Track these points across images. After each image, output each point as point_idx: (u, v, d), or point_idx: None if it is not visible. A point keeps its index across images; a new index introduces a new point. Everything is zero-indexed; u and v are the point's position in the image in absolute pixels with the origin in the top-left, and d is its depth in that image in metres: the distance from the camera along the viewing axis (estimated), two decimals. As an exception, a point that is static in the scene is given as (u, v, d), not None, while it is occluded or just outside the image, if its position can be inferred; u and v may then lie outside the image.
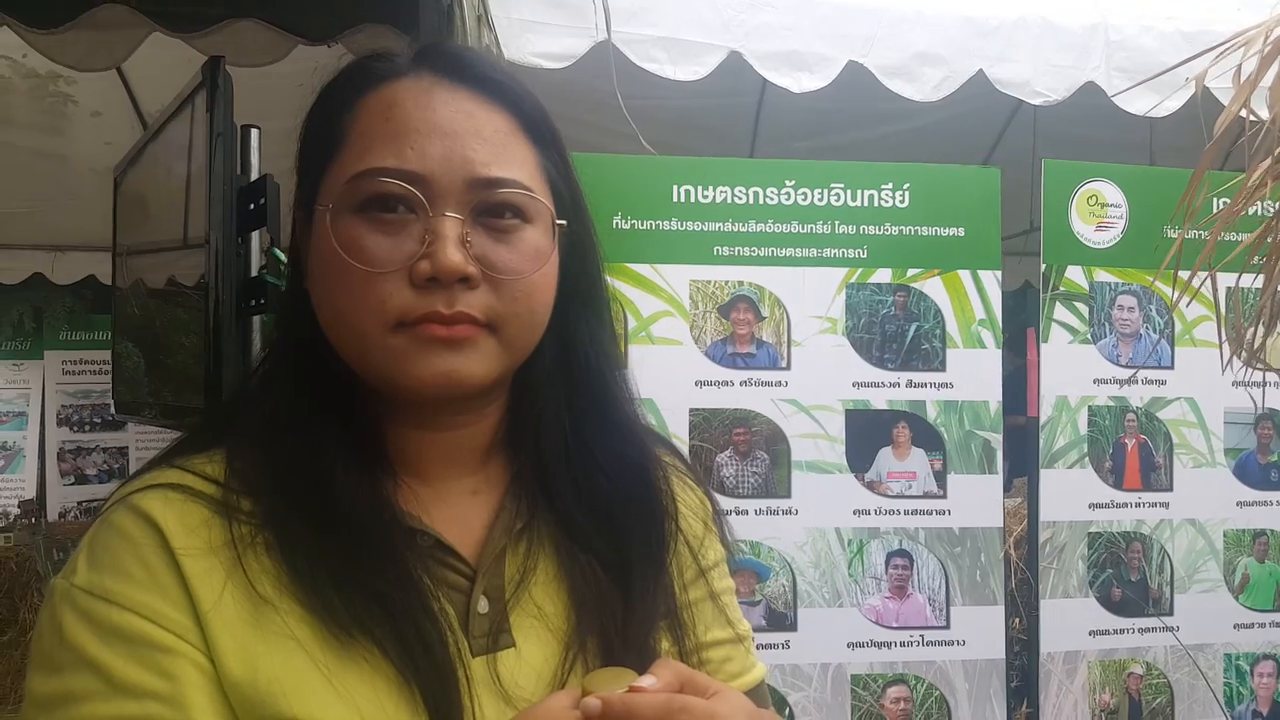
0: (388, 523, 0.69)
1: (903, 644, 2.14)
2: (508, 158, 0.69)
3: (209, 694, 0.63)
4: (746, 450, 2.12)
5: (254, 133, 1.75)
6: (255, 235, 1.72)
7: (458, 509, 0.74)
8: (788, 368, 2.14)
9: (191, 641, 0.63)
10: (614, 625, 0.72)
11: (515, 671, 0.69)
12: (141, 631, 0.63)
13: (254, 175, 1.73)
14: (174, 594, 0.64)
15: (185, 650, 0.63)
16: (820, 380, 2.14)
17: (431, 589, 0.68)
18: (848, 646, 2.13)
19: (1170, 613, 2.29)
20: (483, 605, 0.70)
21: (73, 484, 5.23)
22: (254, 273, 1.72)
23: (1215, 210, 2.28)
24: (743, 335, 2.13)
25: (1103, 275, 2.26)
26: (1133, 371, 2.23)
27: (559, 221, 0.72)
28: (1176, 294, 1.64)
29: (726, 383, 2.13)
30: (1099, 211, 2.24)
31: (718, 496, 0.90)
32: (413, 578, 0.68)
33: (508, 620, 0.71)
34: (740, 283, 2.14)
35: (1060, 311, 2.23)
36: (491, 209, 0.69)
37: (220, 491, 0.69)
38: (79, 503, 5.18)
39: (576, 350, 0.77)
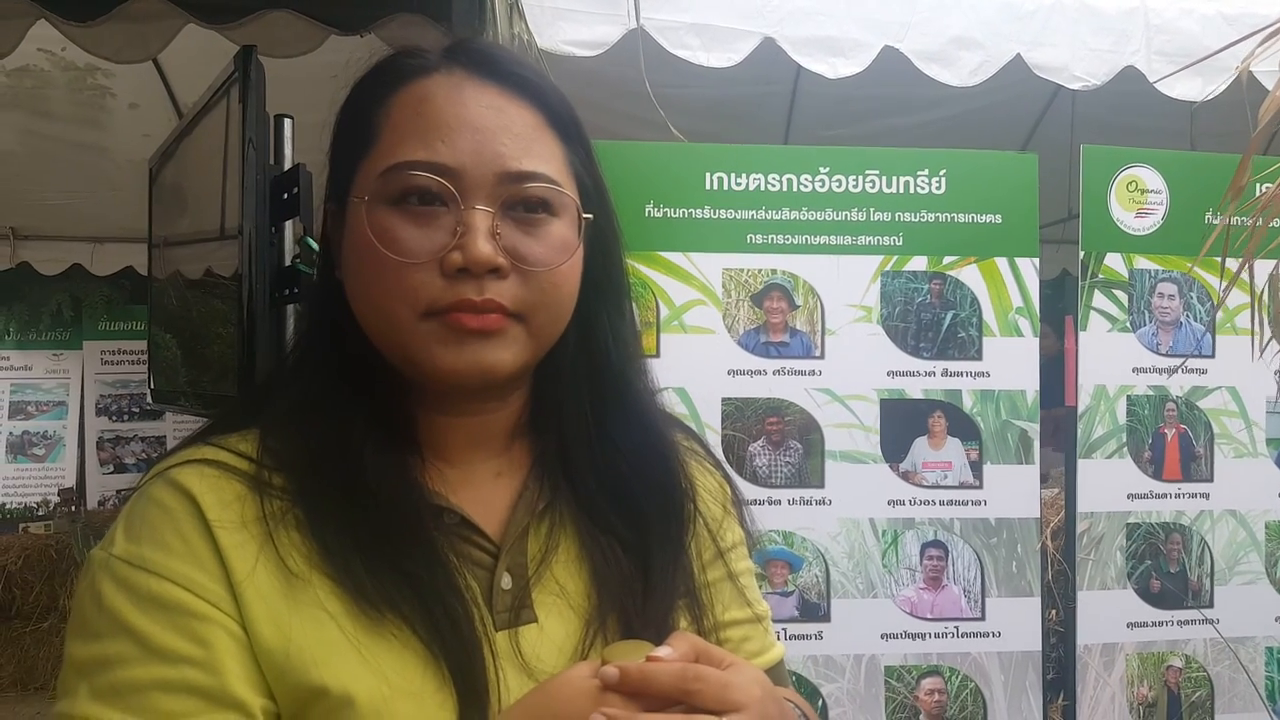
0: (415, 501, 0.72)
1: (937, 635, 2.12)
2: (536, 152, 0.72)
3: (243, 661, 0.65)
4: (779, 440, 2.11)
5: (287, 123, 1.76)
6: (288, 225, 1.73)
7: (483, 490, 0.77)
8: (821, 357, 2.12)
9: (226, 610, 0.65)
10: (634, 604, 0.74)
11: (537, 646, 0.71)
12: (178, 599, 0.65)
13: (287, 165, 1.73)
14: (209, 564, 0.66)
15: (220, 618, 0.65)
16: (855, 369, 2.12)
17: (457, 566, 0.71)
18: (881, 638, 2.11)
19: (1210, 605, 2.25)
20: (506, 581, 0.73)
21: (111, 473, 5.31)
22: (287, 262, 1.73)
23: (1258, 195, 2.24)
24: (776, 324, 2.12)
25: (1142, 262, 2.22)
26: (1179, 362, 2.19)
27: (585, 215, 0.75)
28: (1223, 285, 1.60)
29: (759, 372, 2.12)
30: (1139, 198, 2.21)
31: (749, 484, 0.92)
32: (439, 555, 0.71)
33: (530, 596, 0.73)
34: (773, 271, 2.12)
35: (1099, 299, 2.19)
36: (520, 202, 0.71)
37: (254, 468, 0.71)
38: (117, 491, 5.27)
39: (597, 339, 0.80)
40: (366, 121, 0.74)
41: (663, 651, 0.61)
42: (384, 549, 0.69)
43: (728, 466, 0.91)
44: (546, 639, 0.72)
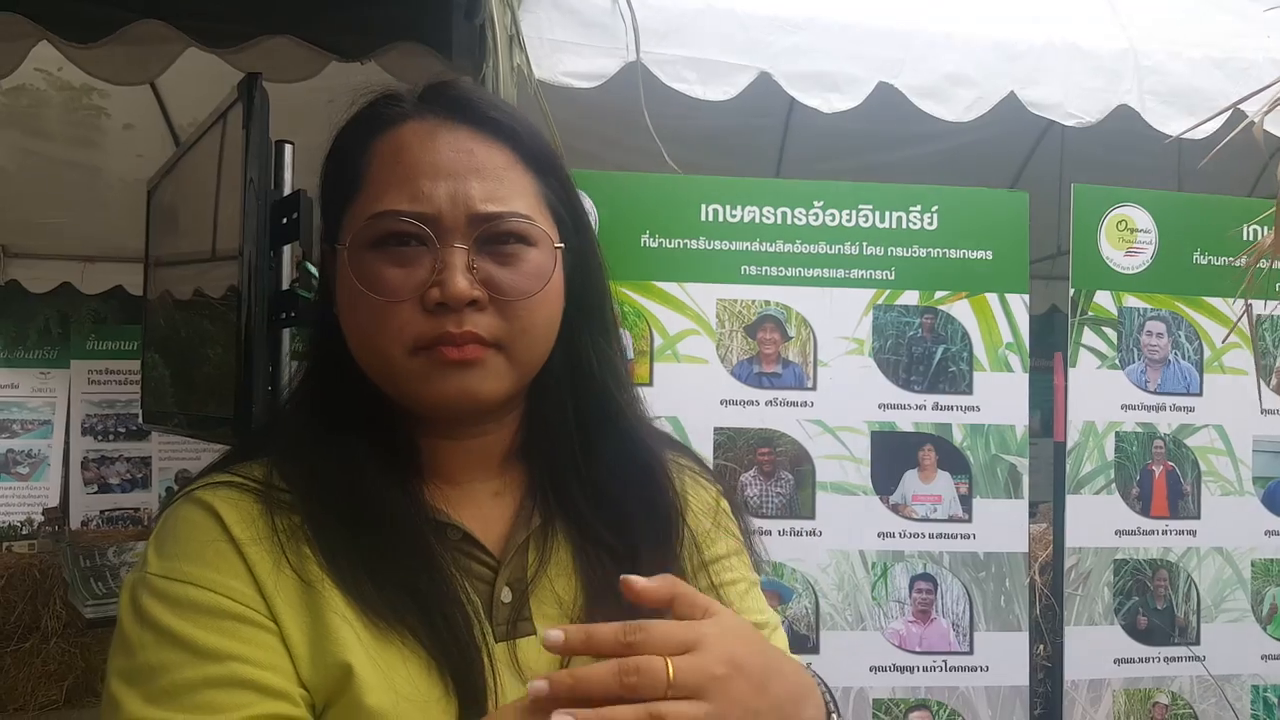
0: (417, 518, 0.77)
1: (925, 669, 2.12)
2: (505, 191, 0.76)
3: (283, 656, 0.69)
4: (771, 470, 2.11)
5: (287, 148, 1.77)
6: (287, 249, 1.74)
7: (483, 507, 0.81)
8: (813, 388, 2.13)
9: (261, 611, 0.70)
10: (626, 614, 0.74)
11: (534, 656, 0.74)
12: (217, 605, 0.69)
13: (287, 190, 1.75)
14: (240, 572, 0.71)
15: (257, 618, 0.69)
16: (846, 401, 2.13)
17: (459, 579, 0.75)
18: (870, 670, 2.11)
19: (1197, 642, 2.26)
20: (506, 595, 0.77)
21: (96, 492, 5.26)
22: (285, 286, 1.73)
23: (1246, 238, 2.27)
24: (769, 355, 2.13)
25: (1132, 300, 2.24)
26: (1163, 400, 2.21)
27: (558, 245, 0.79)
28: (1246, 321, 1.61)
29: (752, 402, 2.13)
30: (1128, 236, 2.23)
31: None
32: (442, 569, 0.75)
33: (528, 608, 0.77)
34: (767, 302, 2.14)
35: (1088, 336, 2.22)
36: (495, 237, 0.75)
37: (268, 491, 0.75)
38: (101, 511, 5.22)
39: (582, 362, 0.84)
40: (350, 168, 0.79)
41: (643, 583, 0.65)
42: (389, 564, 0.73)
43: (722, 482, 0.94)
44: (543, 649, 0.74)
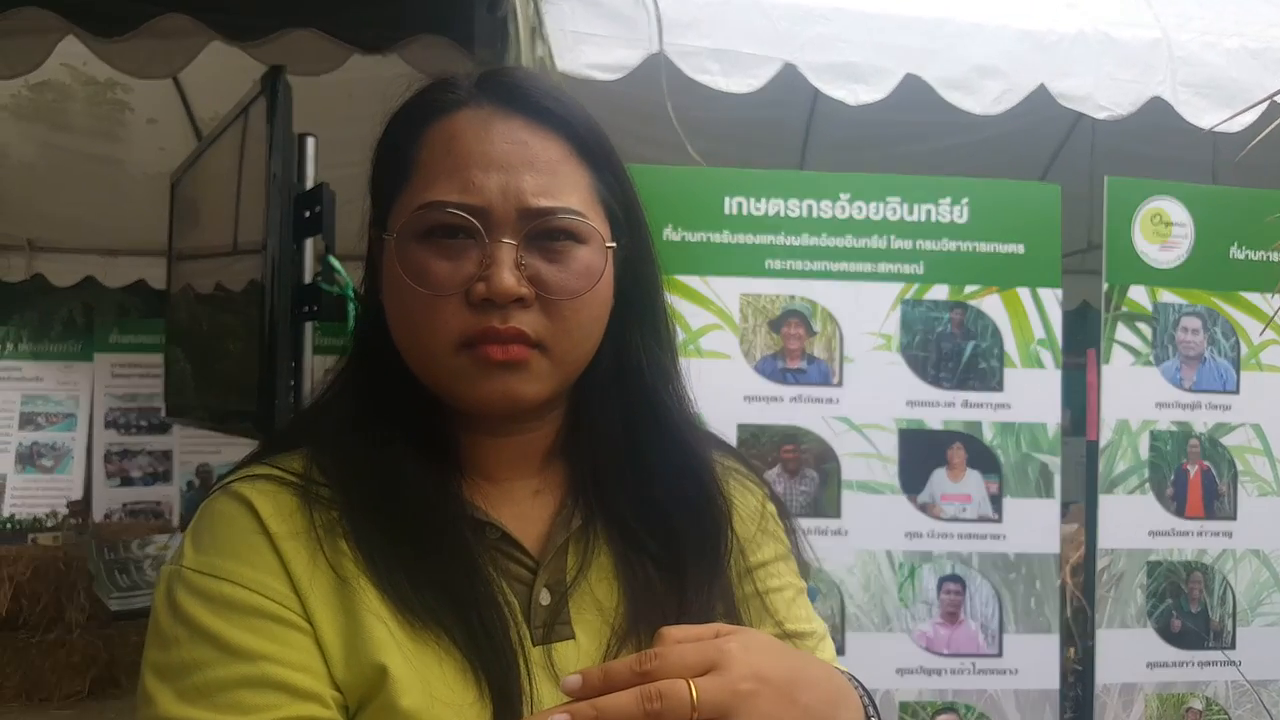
0: (456, 516, 0.75)
1: (953, 671, 2.09)
2: (559, 185, 0.74)
3: (316, 656, 0.68)
4: (795, 468, 2.08)
5: (310, 141, 1.76)
6: (309, 243, 1.73)
7: (522, 506, 0.79)
8: (839, 384, 2.10)
9: (295, 610, 0.69)
10: (667, 621, 0.73)
11: (572, 660, 0.73)
12: (250, 602, 0.68)
13: (310, 183, 1.74)
14: (275, 569, 0.70)
15: (291, 618, 0.69)
16: (873, 398, 2.10)
17: (497, 580, 0.73)
18: (896, 672, 2.08)
19: (1232, 646, 2.21)
20: (544, 597, 0.75)
21: (119, 485, 5.30)
22: (307, 280, 1.72)
23: (1287, 230, 2.22)
24: (793, 350, 2.10)
25: (1167, 296, 2.19)
26: (1199, 398, 2.16)
27: (609, 245, 0.77)
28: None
29: (776, 398, 2.10)
30: (1163, 230, 2.19)
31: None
32: (479, 570, 0.73)
33: (567, 612, 0.75)
34: (792, 297, 2.11)
35: (1122, 332, 2.17)
36: (545, 233, 0.74)
37: (305, 484, 0.75)
38: (124, 504, 5.25)
39: (630, 363, 0.82)
40: (401, 156, 0.77)
41: (571, 679, 0.61)
42: (426, 562, 0.72)
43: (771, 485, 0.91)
44: (581, 653, 0.74)
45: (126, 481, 5.32)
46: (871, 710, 0.75)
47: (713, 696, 0.58)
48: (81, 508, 5.16)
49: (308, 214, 1.66)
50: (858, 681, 0.77)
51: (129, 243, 4.81)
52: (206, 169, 2.21)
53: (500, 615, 0.71)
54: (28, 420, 5.41)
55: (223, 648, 0.67)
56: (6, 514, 5.11)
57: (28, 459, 5.35)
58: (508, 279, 0.71)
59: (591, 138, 0.78)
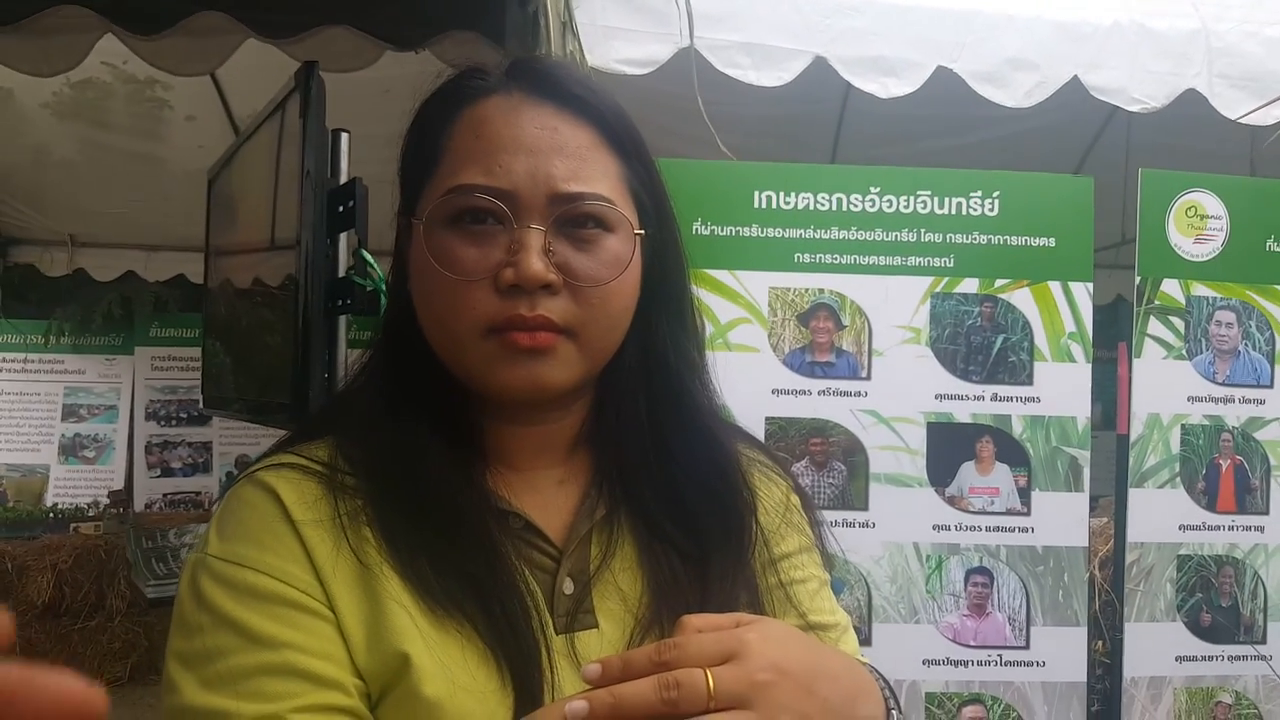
0: (479, 505, 0.75)
1: (980, 663, 2.09)
2: (588, 172, 0.74)
3: (338, 644, 0.68)
4: (823, 461, 2.09)
5: (344, 136, 1.79)
6: (343, 237, 1.76)
7: (546, 495, 0.79)
8: (868, 378, 2.10)
9: (317, 598, 0.69)
10: (690, 611, 0.72)
11: (595, 649, 0.73)
12: (273, 590, 0.68)
13: (343, 178, 1.76)
14: (298, 556, 0.70)
15: (314, 605, 0.69)
16: (901, 391, 2.10)
17: (520, 569, 0.73)
18: (923, 664, 2.08)
19: (1263, 640, 2.19)
20: (568, 586, 0.75)
21: (159, 476, 5.39)
22: (341, 273, 1.75)
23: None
24: (822, 344, 2.10)
25: (1200, 289, 2.17)
26: (1232, 392, 2.14)
27: (637, 232, 0.76)
28: None
29: (804, 392, 2.10)
30: (1198, 223, 2.17)
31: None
32: (503, 558, 0.73)
33: (590, 601, 0.75)
34: (821, 290, 2.11)
35: (1155, 326, 2.15)
36: (573, 220, 0.73)
37: (330, 472, 0.74)
38: (164, 495, 5.35)
39: (656, 352, 0.81)
40: (430, 142, 0.77)
41: (590, 668, 0.59)
42: (449, 550, 0.72)
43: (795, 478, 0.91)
44: (604, 642, 0.74)
45: (167, 472, 5.41)
46: (893, 704, 0.75)
47: (730, 686, 0.58)
48: (123, 498, 5.26)
49: (341, 209, 1.69)
50: (880, 675, 0.77)
51: (169, 238, 4.89)
52: (242, 165, 2.25)
53: (523, 603, 0.71)
54: (70, 412, 5.52)
55: (246, 635, 0.67)
56: (50, 504, 5.23)
57: (70, 450, 5.46)
58: (536, 264, 0.70)
59: (621, 126, 0.78)
